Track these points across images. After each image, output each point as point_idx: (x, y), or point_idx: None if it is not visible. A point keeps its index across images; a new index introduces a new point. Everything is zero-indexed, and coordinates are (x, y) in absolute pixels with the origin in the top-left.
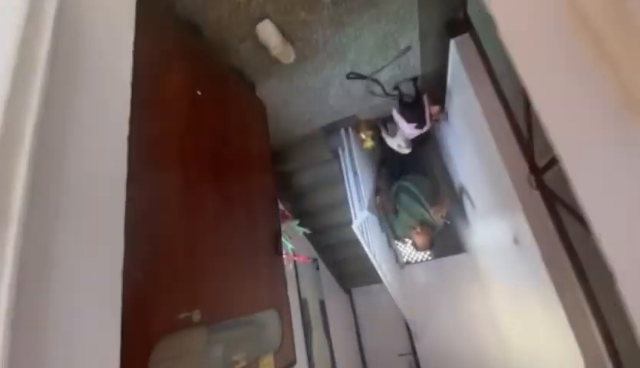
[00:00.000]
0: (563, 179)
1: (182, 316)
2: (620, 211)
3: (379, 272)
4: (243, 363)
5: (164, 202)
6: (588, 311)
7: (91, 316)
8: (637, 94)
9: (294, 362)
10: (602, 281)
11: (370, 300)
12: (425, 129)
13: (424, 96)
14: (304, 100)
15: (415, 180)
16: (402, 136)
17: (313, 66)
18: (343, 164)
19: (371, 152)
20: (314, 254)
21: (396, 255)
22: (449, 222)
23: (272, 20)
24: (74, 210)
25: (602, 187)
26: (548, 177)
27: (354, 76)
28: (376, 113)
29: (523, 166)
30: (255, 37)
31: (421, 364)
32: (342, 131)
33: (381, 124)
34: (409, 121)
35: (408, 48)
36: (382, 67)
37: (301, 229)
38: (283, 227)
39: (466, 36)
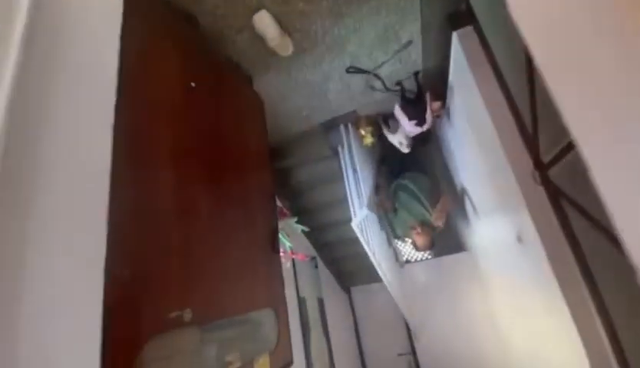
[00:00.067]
0: (569, 175)
1: (172, 315)
2: None
3: (379, 271)
4: (237, 364)
5: (154, 198)
6: (593, 310)
7: (68, 316)
8: None
9: (290, 362)
10: (607, 279)
11: (369, 299)
12: (426, 127)
13: (427, 94)
14: (303, 95)
15: (414, 178)
16: (403, 133)
17: (312, 59)
18: (342, 161)
19: (371, 149)
20: (312, 252)
21: (396, 254)
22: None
23: (269, 10)
24: (50, 204)
25: (626, 177)
26: (552, 173)
27: (354, 70)
28: (376, 109)
29: (527, 162)
30: (252, 28)
31: (421, 364)
32: (342, 127)
33: (381, 120)
34: (410, 118)
35: (410, 42)
36: (383, 63)
37: (300, 227)
38: (281, 224)
39: (469, 28)
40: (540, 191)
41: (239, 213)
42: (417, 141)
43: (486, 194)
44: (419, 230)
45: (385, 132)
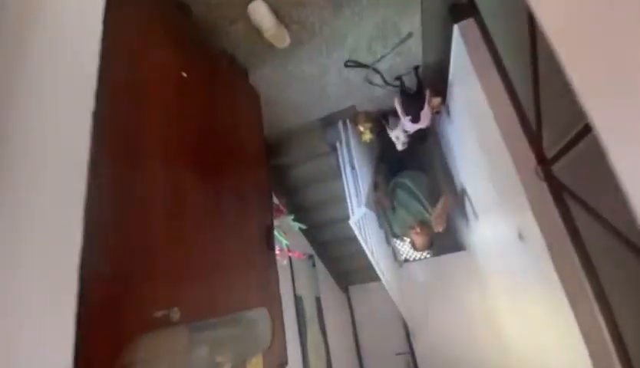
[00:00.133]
0: (573, 170)
1: (158, 314)
2: None
3: (377, 269)
4: (228, 365)
5: (139, 192)
6: (595, 307)
7: (35, 314)
8: None
9: (285, 362)
10: (610, 276)
11: (367, 297)
12: (422, 124)
13: (427, 91)
14: (300, 89)
15: (412, 176)
16: (402, 129)
17: (309, 51)
18: (340, 158)
19: (370, 146)
20: (310, 250)
21: (394, 252)
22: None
23: (264, 0)
24: (19, 196)
25: None
26: (556, 168)
27: (352, 64)
28: (375, 105)
29: (530, 157)
30: (247, 19)
31: (419, 363)
32: (340, 123)
33: (381, 117)
34: (406, 113)
35: (410, 35)
36: (382, 56)
37: (297, 224)
38: (278, 222)
39: (470, 21)
40: (543, 187)
41: (232, 209)
42: (415, 139)
43: (487, 191)
44: (418, 230)
45: (386, 127)
